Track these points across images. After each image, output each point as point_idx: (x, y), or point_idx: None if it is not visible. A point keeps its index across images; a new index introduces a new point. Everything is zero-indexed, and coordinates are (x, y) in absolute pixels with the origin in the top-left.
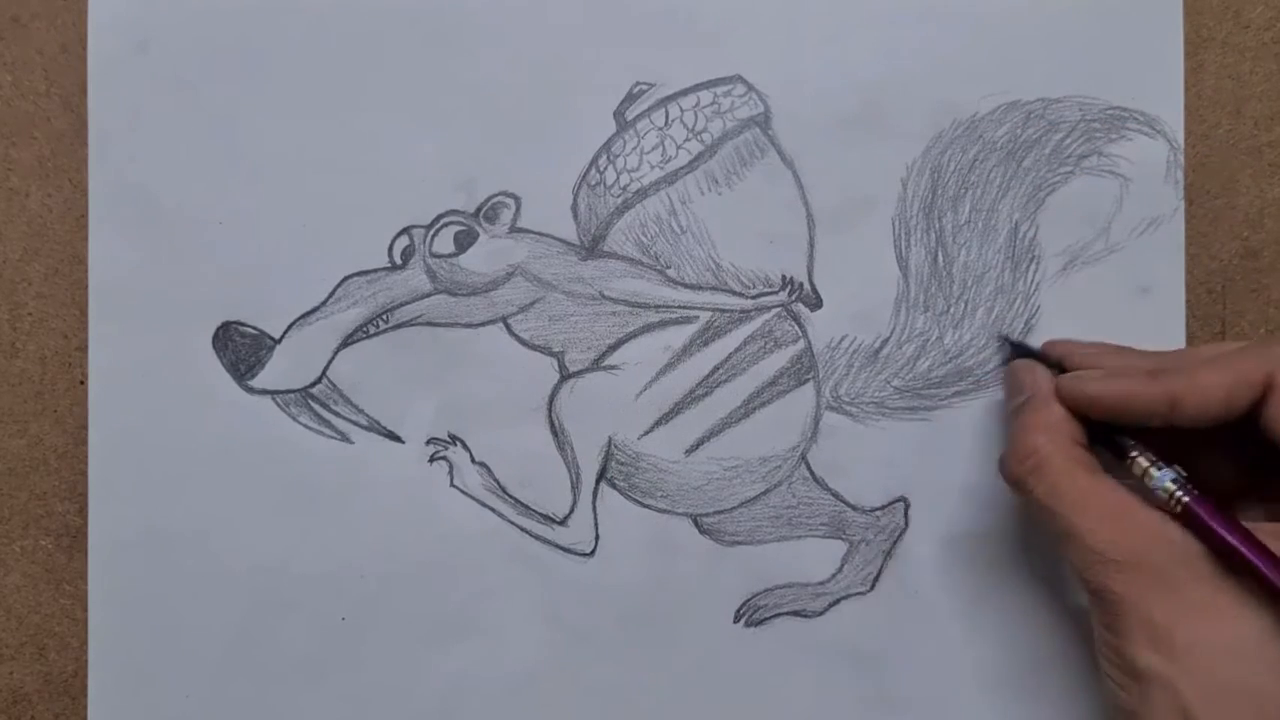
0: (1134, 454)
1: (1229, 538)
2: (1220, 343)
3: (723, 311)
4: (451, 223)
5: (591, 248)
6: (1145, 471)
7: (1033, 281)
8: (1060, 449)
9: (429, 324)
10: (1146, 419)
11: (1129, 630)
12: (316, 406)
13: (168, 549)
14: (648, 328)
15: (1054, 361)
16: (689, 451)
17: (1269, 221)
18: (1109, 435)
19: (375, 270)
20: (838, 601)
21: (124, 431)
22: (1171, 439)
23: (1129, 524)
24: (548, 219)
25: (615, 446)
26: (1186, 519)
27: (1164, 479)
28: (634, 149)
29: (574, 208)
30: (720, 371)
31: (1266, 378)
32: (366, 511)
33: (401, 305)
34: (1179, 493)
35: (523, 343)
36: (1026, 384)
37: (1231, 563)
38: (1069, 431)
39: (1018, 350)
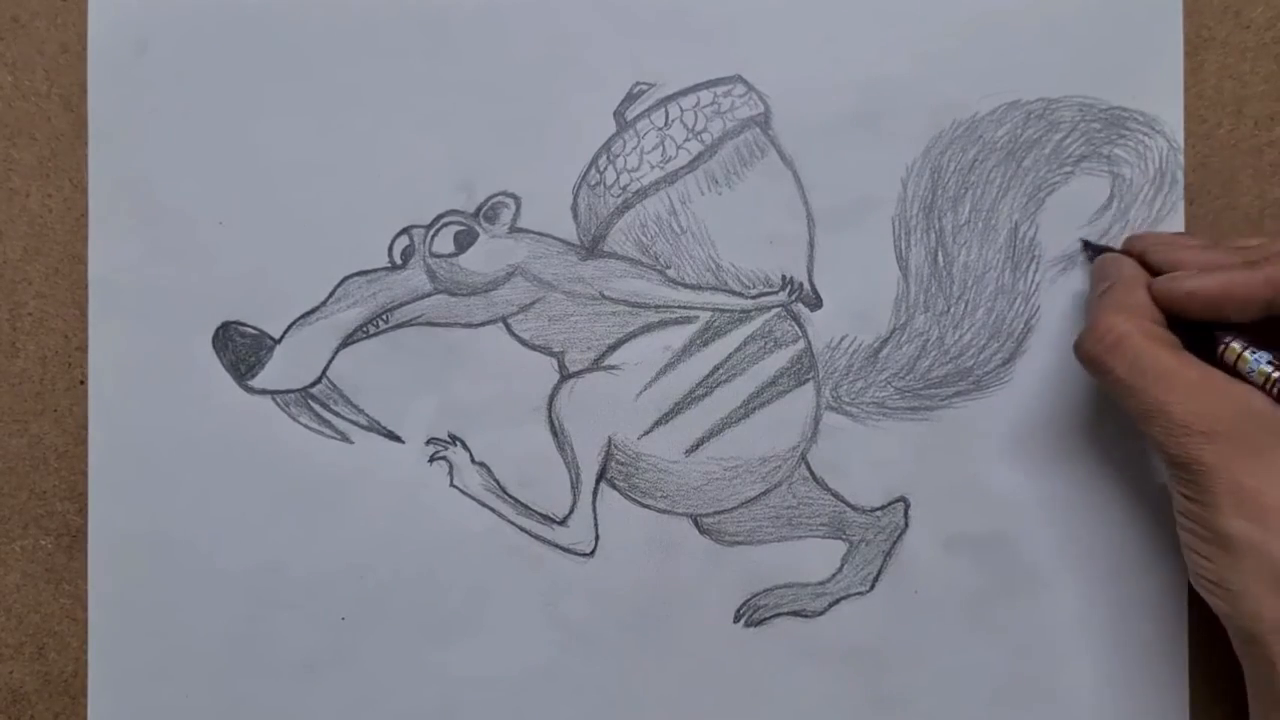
0: (1227, 340)
1: None
2: None
3: (723, 311)
4: (451, 223)
5: (591, 248)
6: (1239, 356)
7: (1033, 281)
8: (1140, 327)
9: (429, 324)
10: (1246, 309)
11: (1217, 499)
12: (316, 406)
13: (168, 548)
14: (648, 328)
15: (1136, 256)
16: (689, 451)
17: (1269, 221)
18: (1196, 333)
19: (375, 270)
20: (838, 601)
21: (124, 431)
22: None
23: (1216, 394)
24: (548, 219)
25: (615, 446)
26: None
27: (1259, 361)
28: (634, 149)
29: (574, 208)
30: (720, 371)
31: None
32: (366, 512)
33: (401, 305)
34: (1275, 373)
35: (523, 343)
36: (1111, 273)
37: None
38: (1150, 314)
39: (1097, 250)
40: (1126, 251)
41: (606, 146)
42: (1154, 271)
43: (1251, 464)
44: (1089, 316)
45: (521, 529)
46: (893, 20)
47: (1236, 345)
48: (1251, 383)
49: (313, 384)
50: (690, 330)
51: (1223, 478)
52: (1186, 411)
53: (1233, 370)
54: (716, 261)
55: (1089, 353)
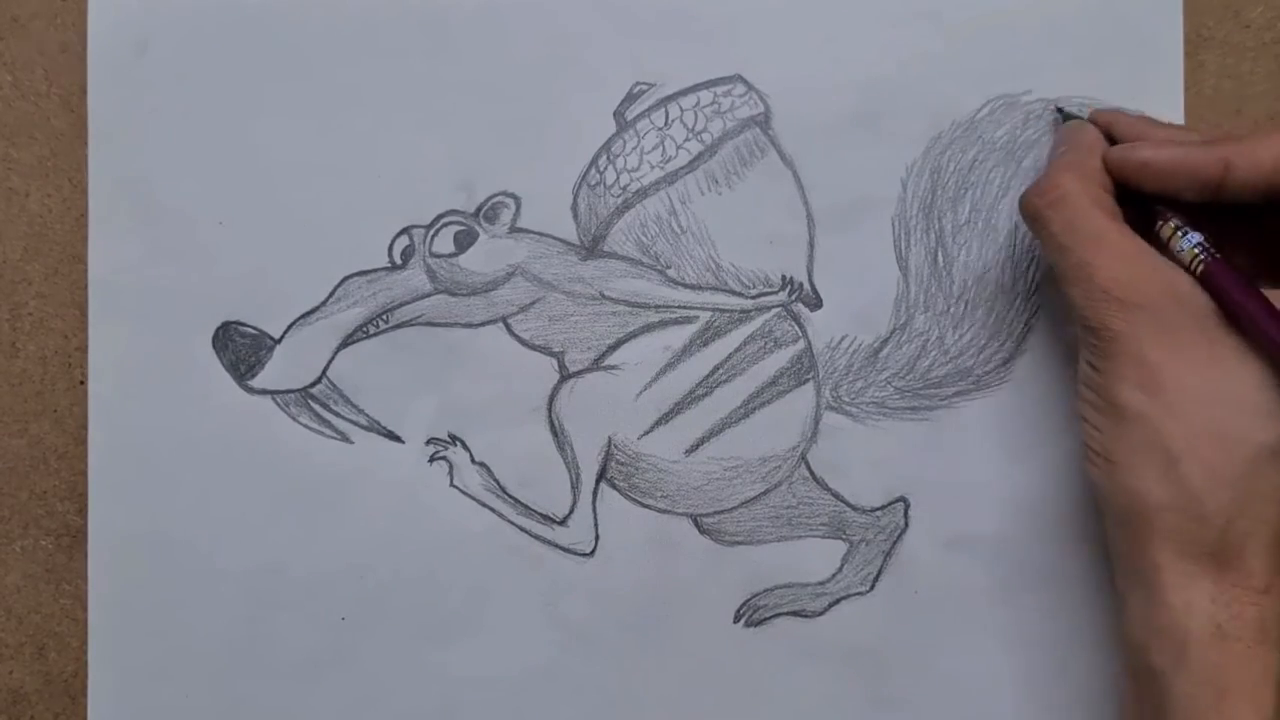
0: (1167, 216)
1: (1243, 294)
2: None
3: (723, 311)
4: (451, 223)
5: (591, 248)
6: (1173, 234)
7: (1033, 281)
8: (1086, 190)
9: (429, 324)
10: (1196, 187)
11: (1119, 368)
12: (316, 406)
13: (168, 549)
14: (648, 328)
15: (1103, 128)
16: (689, 451)
17: None
18: (1142, 209)
19: (375, 270)
20: (838, 601)
21: (124, 431)
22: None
23: (1141, 266)
24: (548, 219)
25: (615, 446)
26: (1205, 279)
27: (1190, 241)
28: (634, 149)
29: (574, 208)
30: (720, 371)
31: None
32: (366, 512)
33: (401, 305)
34: (1203, 254)
35: (523, 343)
36: (1071, 139)
37: (1239, 320)
38: (1100, 180)
39: (1068, 118)
40: (1094, 122)
41: (606, 146)
42: (1115, 145)
43: (1162, 339)
44: (1042, 173)
45: (521, 529)
46: (893, 20)
47: (1173, 222)
48: (1179, 261)
49: (313, 384)
50: (690, 330)
51: (1129, 348)
52: (1109, 277)
53: (1165, 247)
54: (716, 261)
55: (1031, 205)
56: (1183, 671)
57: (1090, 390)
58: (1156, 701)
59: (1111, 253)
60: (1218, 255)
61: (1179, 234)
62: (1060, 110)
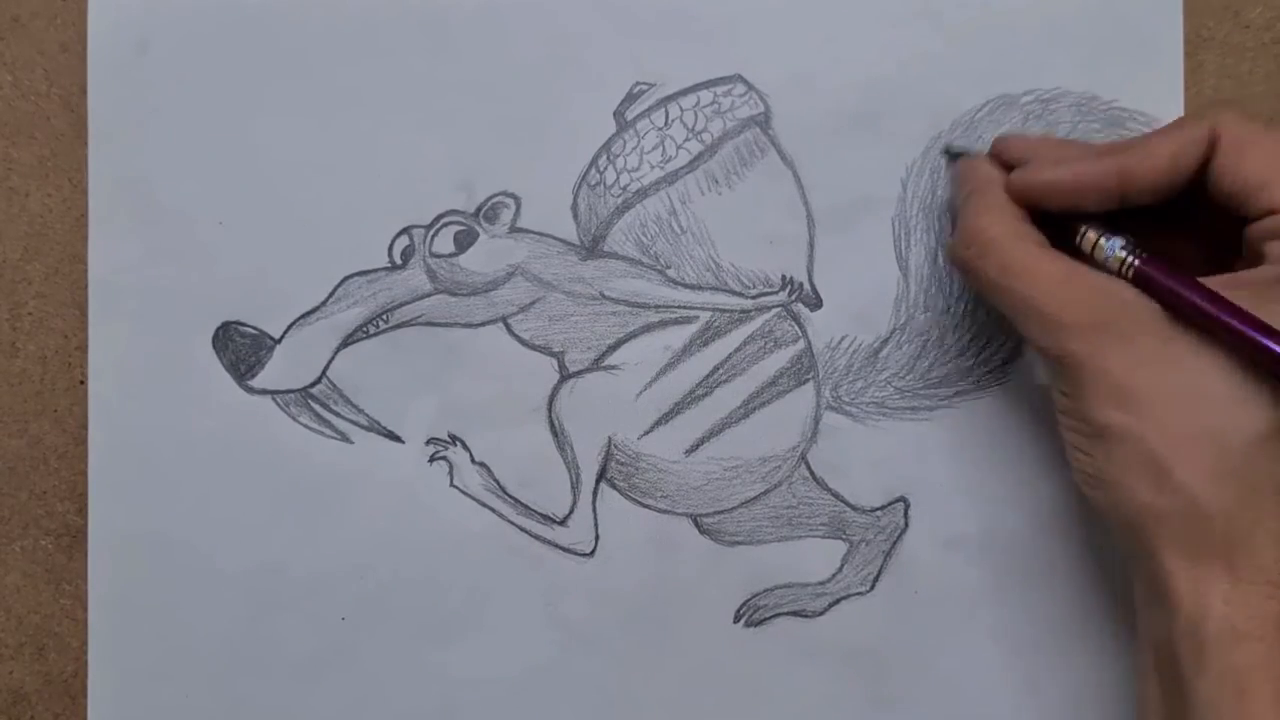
0: (1083, 229)
1: (1181, 287)
2: None
3: (723, 311)
4: (451, 223)
5: (591, 248)
6: (1095, 243)
7: None
8: (1007, 227)
9: (429, 324)
10: (1099, 199)
11: (1089, 390)
12: (316, 406)
13: (168, 549)
14: (648, 328)
15: (1002, 161)
16: (689, 451)
17: None
18: (1057, 224)
19: (375, 270)
20: (838, 601)
21: (124, 431)
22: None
23: (1080, 286)
24: (548, 219)
25: (615, 446)
26: (1140, 280)
27: (1114, 246)
28: (634, 149)
29: (574, 208)
30: (720, 371)
31: (1210, 133)
32: (366, 512)
33: (401, 305)
34: (1130, 257)
35: (523, 343)
36: (970, 177)
37: (1185, 314)
38: (1013, 212)
39: (954, 156)
40: (992, 156)
41: (606, 146)
42: (1012, 170)
43: (1119, 352)
44: (959, 222)
45: (521, 529)
46: (893, 20)
47: (1092, 233)
48: (1108, 270)
49: (313, 384)
50: (690, 330)
51: (1092, 368)
52: (1053, 304)
53: (1090, 258)
54: (716, 261)
55: (960, 259)
56: (1203, 675)
57: (1069, 417)
58: (1180, 706)
59: (1049, 281)
60: (1144, 254)
61: (1101, 241)
62: (947, 151)
